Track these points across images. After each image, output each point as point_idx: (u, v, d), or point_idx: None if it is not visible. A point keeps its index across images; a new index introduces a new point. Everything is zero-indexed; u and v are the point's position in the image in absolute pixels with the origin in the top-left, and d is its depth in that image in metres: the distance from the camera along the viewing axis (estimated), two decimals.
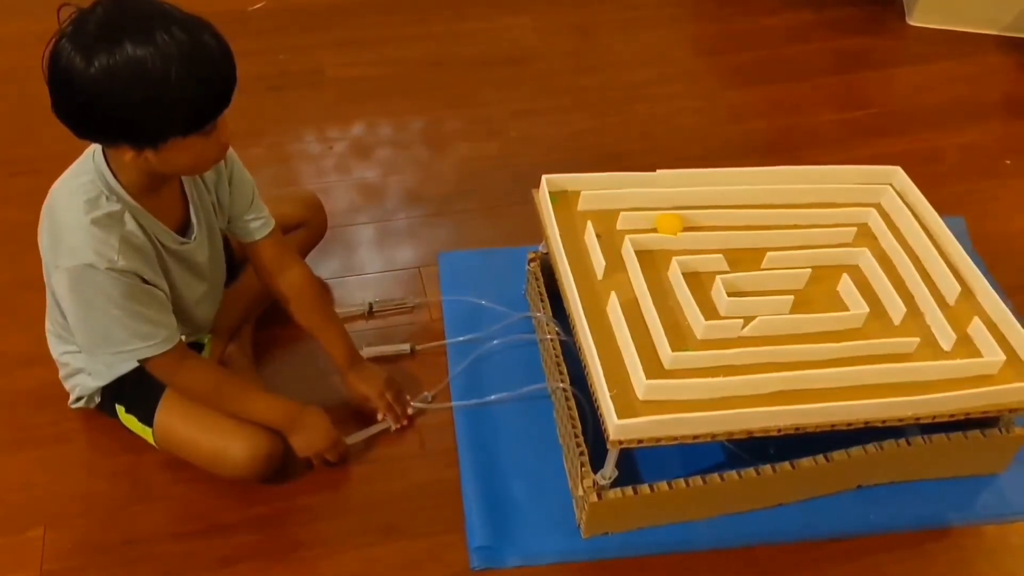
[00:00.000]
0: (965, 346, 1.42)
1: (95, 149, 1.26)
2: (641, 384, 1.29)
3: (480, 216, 2.03)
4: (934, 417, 1.35)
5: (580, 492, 1.37)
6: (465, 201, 2.07)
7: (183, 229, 1.38)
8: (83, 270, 1.22)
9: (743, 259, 1.51)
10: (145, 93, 1.09)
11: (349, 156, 2.20)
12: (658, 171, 1.62)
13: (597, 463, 1.35)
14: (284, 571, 1.39)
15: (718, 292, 1.44)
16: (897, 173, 1.68)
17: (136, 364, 1.35)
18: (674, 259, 1.47)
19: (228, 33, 1.21)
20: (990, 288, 1.48)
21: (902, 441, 1.44)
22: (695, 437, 1.29)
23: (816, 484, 1.47)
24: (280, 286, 1.53)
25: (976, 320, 1.44)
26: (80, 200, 1.22)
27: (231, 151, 1.39)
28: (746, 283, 1.46)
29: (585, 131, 2.30)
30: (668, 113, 2.37)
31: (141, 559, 1.39)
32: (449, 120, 2.32)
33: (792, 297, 1.44)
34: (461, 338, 1.71)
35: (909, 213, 1.60)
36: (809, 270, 1.49)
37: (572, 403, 1.45)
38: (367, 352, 1.65)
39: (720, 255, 1.50)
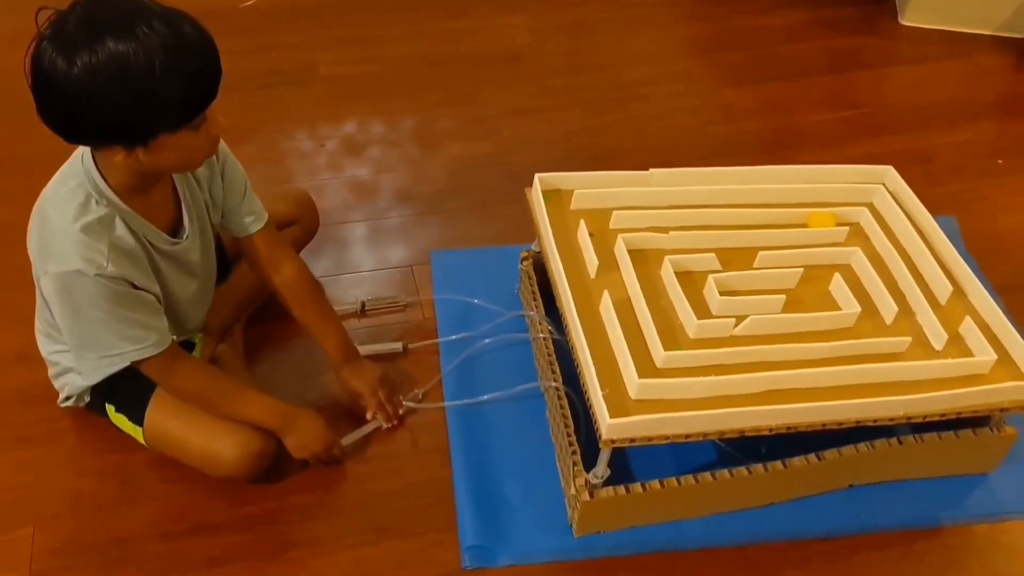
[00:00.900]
0: (956, 346, 1.43)
1: (84, 152, 1.25)
2: (633, 383, 1.29)
3: (472, 215, 2.02)
4: (925, 416, 1.36)
5: (572, 491, 1.37)
6: (458, 200, 2.06)
7: (175, 229, 1.37)
8: (71, 276, 1.21)
9: (735, 258, 1.51)
10: (130, 89, 1.09)
11: (341, 154, 2.19)
12: (651, 170, 1.62)
13: (589, 462, 1.35)
14: (275, 571, 1.39)
15: (710, 291, 1.43)
16: (889, 173, 1.68)
17: (127, 364, 1.35)
18: (667, 258, 1.47)
19: (220, 30, 1.20)
20: (982, 288, 1.49)
21: (893, 440, 1.44)
22: (687, 436, 1.29)
23: (808, 483, 1.47)
24: (274, 281, 1.52)
25: (968, 320, 1.44)
26: (69, 206, 1.22)
27: (222, 145, 1.38)
28: (738, 282, 1.46)
29: (579, 130, 2.30)
30: (662, 112, 2.37)
31: (130, 559, 1.39)
32: (442, 119, 2.31)
33: (784, 296, 1.44)
34: (454, 336, 1.71)
35: (901, 213, 1.61)
36: (801, 269, 1.49)
37: (565, 402, 1.45)
38: (359, 351, 1.65)
39: (712, 254, 1.50)
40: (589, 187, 1.60)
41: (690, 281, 1.46)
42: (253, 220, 1.48)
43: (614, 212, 1.55)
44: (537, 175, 1.59)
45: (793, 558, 1.43)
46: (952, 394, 1.33)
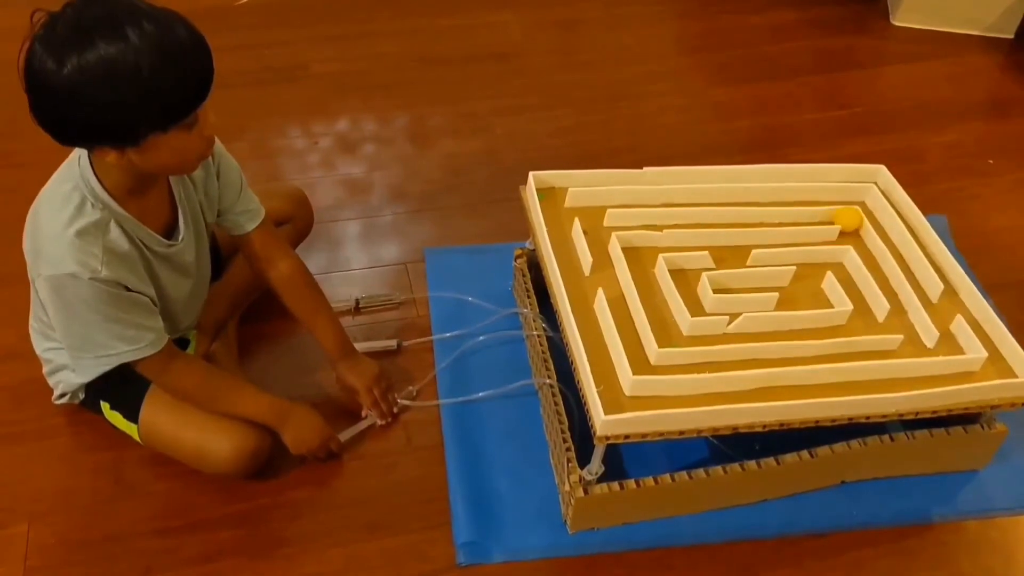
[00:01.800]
0: (948, 343, 1.44)
1: (80, 155, 1.24)
2: (628, 380, 1.29)
3: (465, 212, 2.03)
4: (917, 413, 1.37)
5: (566, 487, 1.38)
6: (450, 197, 2.06)
7: (169, 231, 1.37)
8: (65, 279, 1.21)
9: (728, 256, 1.52)
10: (119, 88, 1.08)
11: (334, 152, 2.19)
12: (645, 168, 1.62)
13: (583, 459, 1.36)
14: (267, 567, 1.38)
15: (704, 289, 1.44)
16: (881, 172, 1.69)
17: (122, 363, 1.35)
18: (660, 256, 1.48)
19: (212, 28, 1.20)
20: (973, 286, 1.50)
21: (885, 437, 1.46)
22: (681, 433, 1.29)
23: (800, 480, 1.48)
24: (271, 276, 1.53)
25: (959, 318, 1.45)
26: (64, 209, 1.22)
27: (218, 144, 1.38)
28: (732, 280, 1.47)
29: (570, 128, 2.30)
30: (652, 111, 2.38)
31: (124, 555, 1.38)
32: (434, 116, 2.32)
33: (777, 294, 1.45)
34: (448, 334, 1.71)
35: (893, 211, 1.62)
36: (794, 268, 1.50)
37: (559, 399, 1.46)
38: None
39: (706, 252, 1.51)
40: (583, 185, 1.60)
41: (684, 279, 1.47)
42: (250, 217, 1.48)
43: (608, 210, 1.55)
44: (531, 173, 1.59)
45: (786, 554, 1.44)
46: (943, 391, 1.34)
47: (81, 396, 1.49)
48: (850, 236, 1.60)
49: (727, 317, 1.40)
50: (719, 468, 1.40)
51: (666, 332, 1.40)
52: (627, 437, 1.28)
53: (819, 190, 1.65)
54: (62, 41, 1.07)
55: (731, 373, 1.32)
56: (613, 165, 1.65)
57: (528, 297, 1.64)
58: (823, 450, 1.43)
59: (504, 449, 1.54)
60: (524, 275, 1.68)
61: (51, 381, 1.51)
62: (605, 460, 1.34)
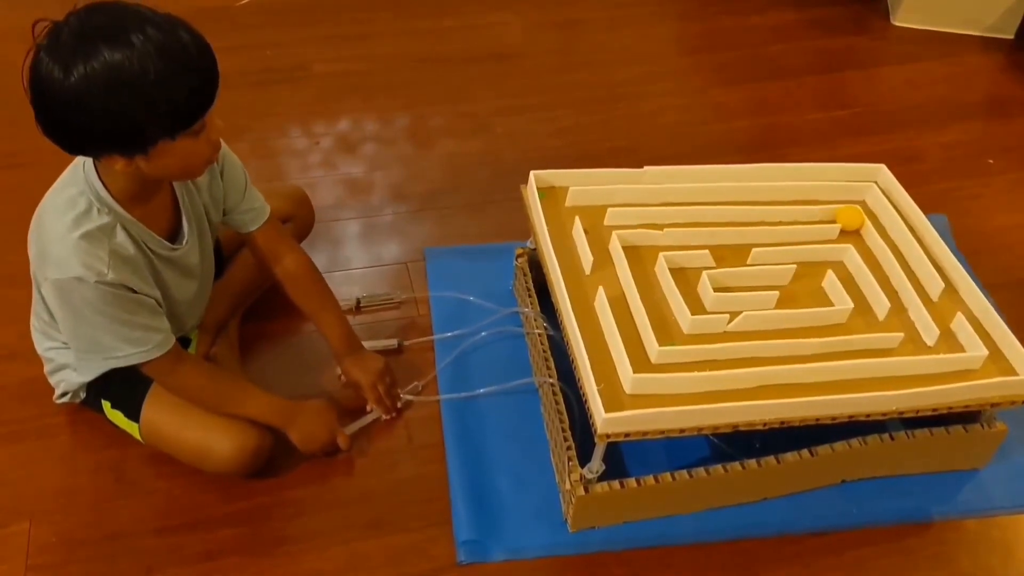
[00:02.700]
0: (948, 341, 1.44)
1: (84, 160, 1.24)
2: (628, 378, 1.29)
3: (465, 212, 2.03)
4: (918, 411, 1.37)
5: (567, 486, 1.38)
6: (450, 197, 2.07)
7: (174, 234, 1.37)
8: (71, 282, 1.21)
9: (729, 255, 1.52)
10: (127, 96, 1.08)
11: (335, 151, 2.20)
12: (645, 168, 1.63)
13: (583, 458, 1.36)
14: (269, 565, 1.38)
15: (704, 287, 1.44)
16: (882, 171, 1.69)
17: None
18: (661, 255, 1.48)
19: (214, 29, 1.20)
20: (973, 285, 1.50)
21: (886, 436, 1.46)
22: (681, 431, 1.29)
23: (800, 478, 1.48)
24: (277, 272, 1.54)
25: (959, 316, 1.45)
26: (70, 213, 1.22)
27: (222, 146, 1.38)
28: (732, 279, 1.47)
29: (570, 128, 2.30)
30: (653, 111, 2.38)
31: (125, 553, 1.38)
32: (434, 116, 2.32)
33: (777, 293, 1.45)
34: (449, 334, 1.71)
35: (893, 210, 1.62)
36: (794, 266, 1.50)
37: (560, 398, 1.46)
38: None
39: (706, 251, 1.51)
40: (584, 184, 1.60)
41: (684, 278, 1.47)
42: (255, 216, 1.48)
43: (609, 209, 1.56)
44: (532, 172, 1.60)
45: (786, 553, 1.44)
46: (944, 389, 1.35)
47: (82, 395, 1.49)
48: (850, 235, 1.60)
49: (727, 315, 1.40)
50: (719, 467, 1.40)
51: (667, 330, 1.40)
52: (628, 435, 1.28)
53: (819, 189, 1.65)
54: (68, 49, 1.06)
55: (732, 371, 1.33)
56: (613, 165, 1.65)
57: (529, 296, 1.65)
58: (823, 449, 1.43)
59: (505, 448, 1.54)
60: (525, 274, 1.68)
61: (52, 380, 1.51)
62: (605, 459, 1.34)
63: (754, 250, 1.51)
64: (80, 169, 1.24)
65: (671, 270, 1.46)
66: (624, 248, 1.49)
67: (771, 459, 1.41)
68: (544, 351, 1.55)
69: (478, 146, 2.23)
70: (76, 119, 1.10)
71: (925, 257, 1.54)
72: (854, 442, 1.44)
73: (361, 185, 2.10)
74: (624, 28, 2.72)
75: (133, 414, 1.44)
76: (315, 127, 2.26)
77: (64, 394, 1.50)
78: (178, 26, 1.12)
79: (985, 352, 1.40)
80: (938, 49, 2.67)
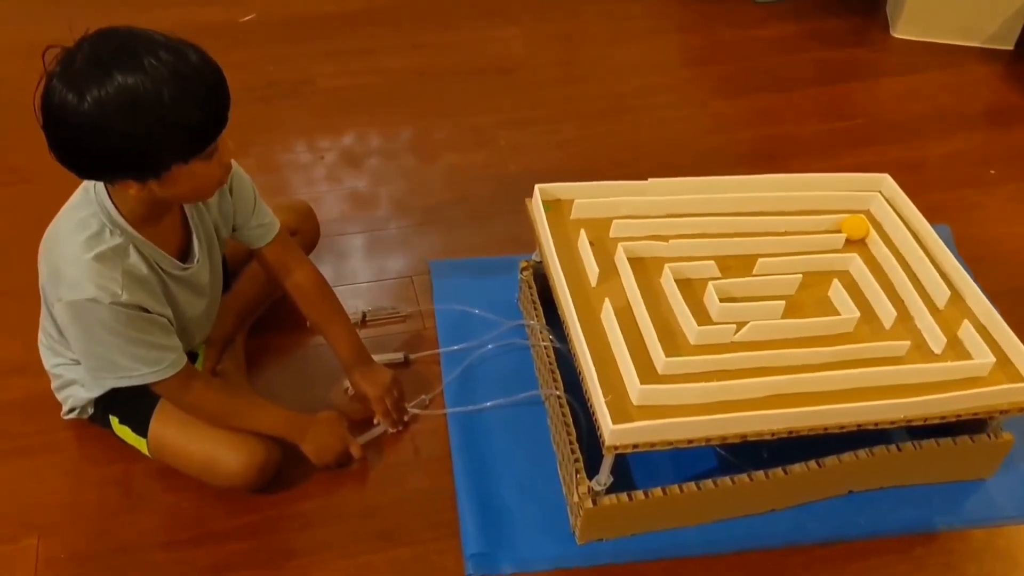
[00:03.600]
0: (955, 349, 1.44)
1: (95, 182, 1.24)
2: (635, 389, 1.30)
3: (470, 225, 2.03)
4: (926, 419, 1.36)
5: (575, 498, 1.38)
6: (455, 210, 2.07)
7: (184, 254, 1.38)
8: (86, 304, 1.22)
9: (735, 265, 1.53)
10: (141, 120, 1.09)
11: (339, 166, 2.20)
12: (650, 180, 1.63)
13: (591, 471, 1.36)
14: None
15: (710, 298, 1.45)
16: (886, 180, 1.69)
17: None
18: (667, 266, 1.48)
19: (218, 45, 1.21)
20: (979, 292, 1.50)
21: (892, 447, 1.46)
22: (690, 441, 1.29)
23: (808, 489, 1.48)
24: (286, 286, 1.54)
25: (966, 323, 1.45)
26: (82, 235, 1.22)
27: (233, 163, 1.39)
28: (738, 289, 1.48)
29: (573, 140, 2.31)
30: (655, 123, 2.39)
31: (133, 567, 1.39)
32: (438, 130, 2.33)
33: (783, 302, 1.45)
34: (455, 347, 1.71)
35: (898, 219, 1.62)
36: (800, 276, 1.50)
37: (566, 410, 1.46)
38: None
39: (712, 261, 1.51)
40: (588, 197, 1.61)
41: (690, 288, 1.48)
42: (265, 231, 1.49)
43: (614, 221, 1.56)
44: (537, 185, 1.60)
45: (794, 563, 1.44)
46: (951, 396, 1.35)
47: (90, 411, 1.49)
48: (855, 244, 1.61)
49: (734, 326, 1.40)
50: (727, 478, 1.40)
51: (673, 341, 1.40)
52: (636, 446, 1.28)
53: (824, 199, 1.66)
54: (82, 75, 1.07)
55: (739, 381, 1.33)
56: (617, 177, 1.66)
57: (534, 308, 1.65)
58: (830, 460, 1.43)
59: (512, 460, 1.54)
60: (530, 287, 1.68)
61: (60, 396, 1.51)
62: (613, 472, 1.34)
63: (760, 260, 1.52)
64: (91, 191, 1.25)
65: (677, 281, 1.46)
66: (630, 260, 1.49)
67: (778, 470, 1.41)
68: (550, 363, 1.55)
69: (482, 159, 2.24)
70: (91, 144, 1.10)
71: (930, 265, 1.54)
72: (861, 453, 1.44)
73: (366, 199, 2.11)
74: (625, 41, 2.73)
75: (141, 429, 1.45)
76: (319, 141, 2.27)
77: (72, 410, 1.50)
78: (190, 49, 1.13)
79: (992, 359, 1.40)
80: (938, 60, 2.68)
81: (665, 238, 1.55)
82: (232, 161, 1.38)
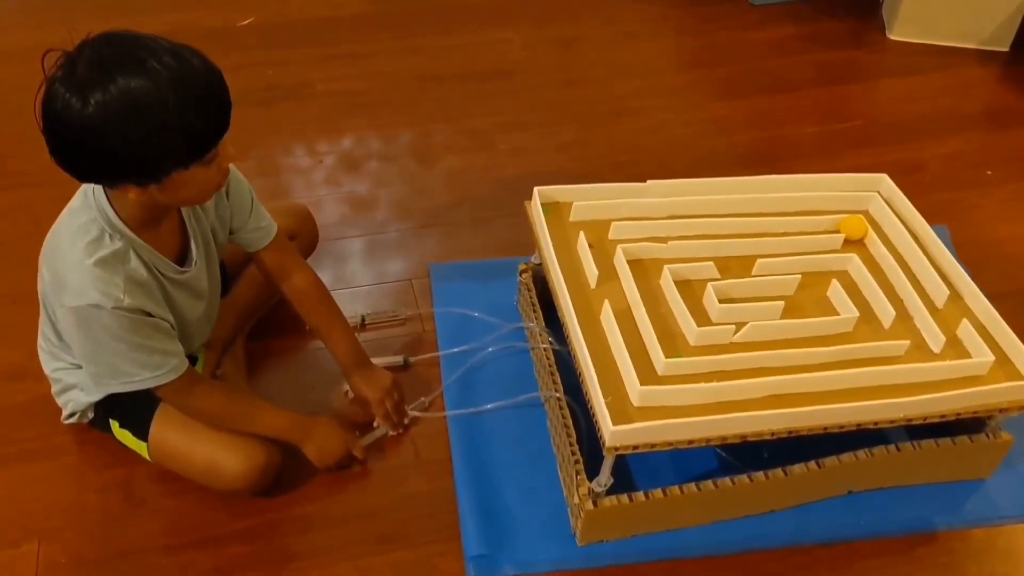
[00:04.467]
0: (954, 348, 1.44)
1: (94, 187, 1.25)
2: (635, 390, 1.30)
3: (469, 228, 2.04)
4: (926, 418, 1.36)
5: (576, 500, 1.38)
6: (454, 213, 2.08)
7: (182, 257, 1.38)
8: (88, 309, 1.22)
9: (734, 266, 1.53)
10: (144, 124, 1.09)
11: (339, 169, 2.21)
12: (649, 182, 1.63)
13: (591, 472, 1.36)
14: None
15: (710, 299, 1.45)
16: (884, 180, 1.70)
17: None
18: (666, 267, 1.49)
19: (218, 49, 1.21)
20: (978, 291, 1.50)
21: (892, 447, 1.46)
22: (690, 442, 1.29)
23: (808, 490, 1.48)
24: (286, 290, 1.54)
25: (965, 322, 1.46)
26: (82, 240, 1.22)
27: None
28: (737, 290, 1.48)
29: (572, 143, 2.32)
30: (654, 126, 2.39)
31: (134, 571, 1.39)
32: (437, 133, 2.33)
33: (783, 303, 1.45)
34: (455, 349, 1.71)
35: (896, 219, 1.63)
36: (799, 276, 1.51)
37: (566, 412, 1.46)
38: None
39: (711, 263, 1.52)
40: (587, 199, 1.61)
41: (689, 290, 1.48)
42: (262, 235, 1.49)
43: (613, 223, 1.57)
44: (536, 188, 1.60)
45: (794, 564, 1.44)
46: (951, 395, 1.35)
47: (90, 415, 1.49)
48: (854, 244, 1.61)
49: (733, 326, 1.41)
50: (727, 479, 1.40)
51: (673, 342, 1.40)
52: (636, 447, 1.28)
53: (822, 200, 1.66)
54: (84, 80, 1.07)
55: (738, 382, 1.33)
56: (616, 179, 1.66)
57: (533, 311, 1.65)
58: (830, 460, 1.43)
59: (512, 462, 1.54)
60: (529, 289, 1.68)
61: (60, 401, 1.51)
62: (613, 473, 1.34)
63: (759, 261, 1.52)
64: (90, 195, 1.25)
65: (676, 282, 1.47)
66: (629, 261, 1.49)
67: (778, 471, 1.41)
68: (550, 365, 1.55)
69: (481, 162, 2.24)
70: (93, 148, 1.10)
71: (929, 265, 1.54)
72: (861, 453, 1.44)
73: (365, 202, 2.11)
74: (623, 44, 2.74)
75: (142, 433, 1.45)
76: (319, 145, 2.27)
77: (72, 414, 1.50)
78: (192, 54, 1.13)
79: (992, 358, 1.40)
80: (935, 62, 2.68)
81: (664, 239, 1.56)
82: (231, 167, 1.39)
